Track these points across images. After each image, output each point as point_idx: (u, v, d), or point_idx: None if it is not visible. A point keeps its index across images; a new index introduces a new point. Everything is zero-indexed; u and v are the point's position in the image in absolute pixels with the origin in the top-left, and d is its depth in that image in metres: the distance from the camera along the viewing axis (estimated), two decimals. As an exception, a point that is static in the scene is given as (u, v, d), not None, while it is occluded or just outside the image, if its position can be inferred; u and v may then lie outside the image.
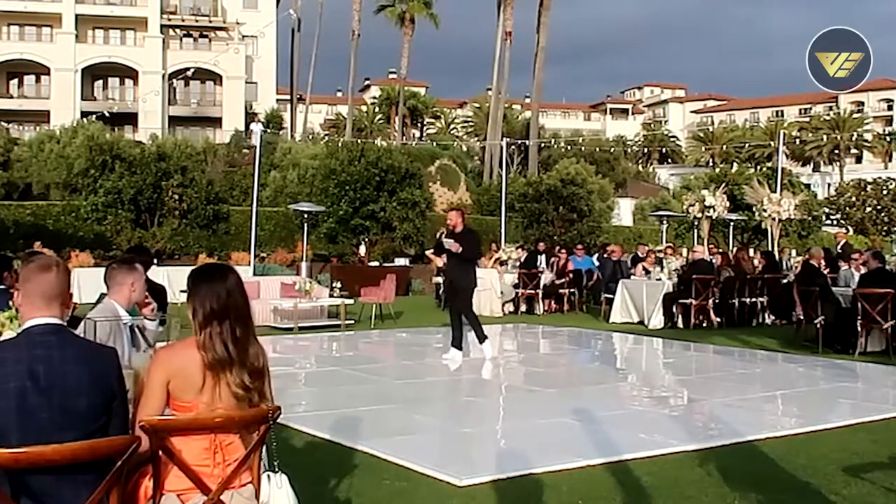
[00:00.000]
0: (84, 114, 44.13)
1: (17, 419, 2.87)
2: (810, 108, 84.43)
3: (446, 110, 79.69)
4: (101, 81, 56.23)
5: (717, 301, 15.55)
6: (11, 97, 54.50)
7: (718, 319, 15.53)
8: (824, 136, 73.33)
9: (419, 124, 73.99)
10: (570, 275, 18.56)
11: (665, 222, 28.78)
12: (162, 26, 55.60)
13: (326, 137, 48.73)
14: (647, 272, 16.66)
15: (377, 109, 70.14)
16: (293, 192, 30.90)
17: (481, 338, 11.20)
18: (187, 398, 3.25)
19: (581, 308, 18.67)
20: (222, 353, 3.25)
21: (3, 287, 5.79)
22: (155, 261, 9.83)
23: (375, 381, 9.94)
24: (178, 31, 57.78)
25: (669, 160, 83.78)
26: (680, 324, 15.35)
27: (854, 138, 73.12)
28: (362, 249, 24.63)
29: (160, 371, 3.26)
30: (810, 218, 33.26)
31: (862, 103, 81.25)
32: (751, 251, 20.02)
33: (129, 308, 4.75)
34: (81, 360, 3.04)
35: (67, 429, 2.91)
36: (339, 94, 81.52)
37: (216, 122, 55.69)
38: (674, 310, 15.37)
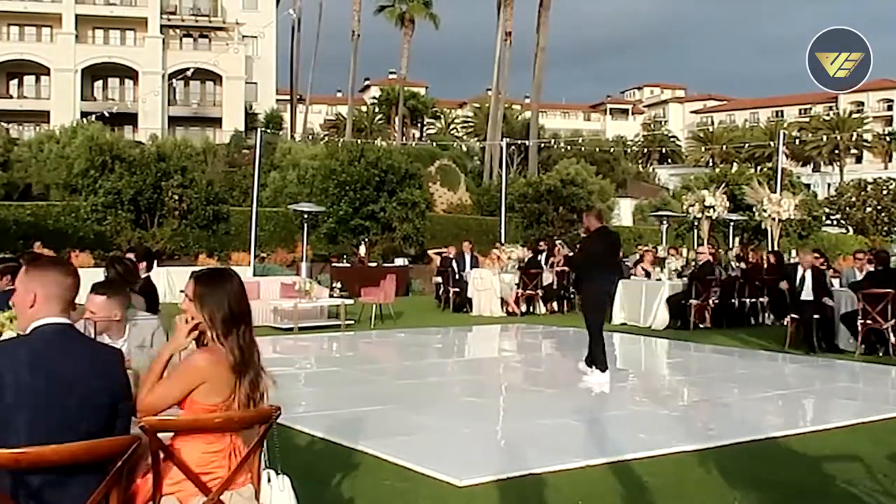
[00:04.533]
0: (84, 114, 44.09)
1: (23, 417, 2.87)
2: (810, 109, 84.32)
3: (446, 110, 79.55)
4: (100, 81, 56.21)
5: (717, 301, 15.55)
6: (11, 97, 54.48)
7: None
8: (824, 137, 73.23)
9: (419, 124, 73.87)
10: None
11: (665, 222, 28.73)
12: (162, 26, 55.58)
13: (326, 138, 48.65)
14: (647, 272, 16.66)
15: (377, 110, 70.02)
16: (293, 192, 30.88)
17: (595, 362, 9.71)
18: (211, 402, 3.24)
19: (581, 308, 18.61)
20: (247, 356, 3.29)
21: (8, 289, 5.79)
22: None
23: (375, 382, 9.95)
24: (177, 31, 57.75)
25: (669, 160, 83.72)
26: (680, 324, 15.34)
27: (854, 138, 73.00)
28: (362, 250, 24.62)
29: (197, 375, 3.23)
30: (810, 218, 33.24)
31: (862, 103, 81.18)
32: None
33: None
34: (87, 360, 3.04)
35: (73, 427, 2.91)
36: (339, 95, 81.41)
37: (216, 122, 55.66)
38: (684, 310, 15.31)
